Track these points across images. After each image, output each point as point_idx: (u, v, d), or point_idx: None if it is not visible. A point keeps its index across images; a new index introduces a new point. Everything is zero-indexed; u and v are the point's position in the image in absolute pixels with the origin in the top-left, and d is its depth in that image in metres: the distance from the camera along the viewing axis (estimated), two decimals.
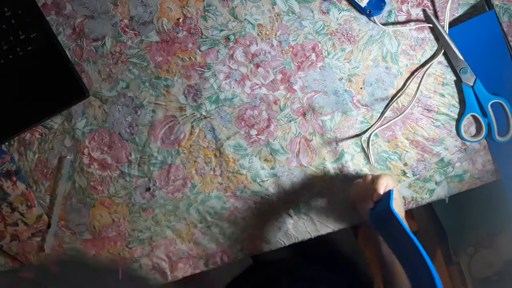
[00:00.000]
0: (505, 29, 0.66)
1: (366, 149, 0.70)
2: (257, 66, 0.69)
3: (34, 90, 0.69)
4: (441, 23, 0.66)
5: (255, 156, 0.72)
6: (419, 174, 0.72)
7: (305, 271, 0.80)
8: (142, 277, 0.76)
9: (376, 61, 0.69)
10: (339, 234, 0.74)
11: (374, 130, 0.70)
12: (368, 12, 0.66)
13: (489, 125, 0.69)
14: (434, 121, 0.70)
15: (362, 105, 0.70)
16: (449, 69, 0.69)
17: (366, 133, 0.70)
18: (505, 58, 0.67)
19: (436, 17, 0.67)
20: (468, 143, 0.71)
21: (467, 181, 0.73)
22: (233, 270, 0.88)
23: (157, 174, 0.73)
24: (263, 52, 0.69)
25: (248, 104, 0.70)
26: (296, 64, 0.69)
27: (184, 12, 0.68)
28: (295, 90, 0.70)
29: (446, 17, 0.65)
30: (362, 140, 0.70)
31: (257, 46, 0.69)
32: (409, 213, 1.23)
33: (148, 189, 0.73)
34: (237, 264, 0.79)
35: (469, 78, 0.67)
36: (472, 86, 0.67)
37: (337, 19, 0.67)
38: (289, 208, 0.74)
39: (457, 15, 0.67)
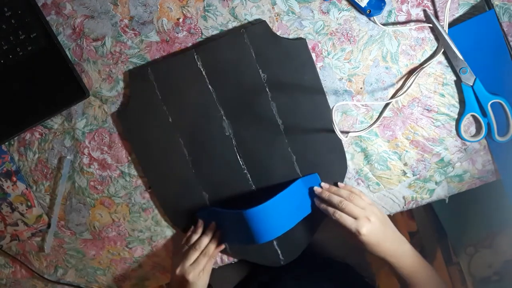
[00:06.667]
0: (505, 29, 0.66)
1: (333, 120, 0.66)
2: None
3: (34, 90, 0.69)
4: (441, 23, 0.66)
5: None
6: (419, 174, 0.72)
7: (309, 270, 0.80)
8: None
9: (376, 61, 0.69)
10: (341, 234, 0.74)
11: (338, 105, 0.70)
12: (368, 12, 0.66)
13: (489, 125, 0.69)
14: (434, 121, 0.70)
15: (362, 105, 0.70)
16: (449, 69, 0.69)
17: (336, 105, 0.70)
18: (505, 58, 0.67)
19: (436, 17, 0.67)
20: (468, 143, 0.71)
21: (467, 181, 0.73)
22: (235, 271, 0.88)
23: None
24: None
25: None
26: None
27: (184, 12, 0.68)
28: None
29: (446, 17, 0.65)
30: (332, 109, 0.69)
31: None
32: (409, 213, 1.23)
33: (150, 187, 0.74)
34: (237, 265, 0.79)
35: (469, 78, 0.67)
36: (472, 86, 0.67)
37: (337, 19, 0.67)
38: None
39: (457, 15, 0.67)
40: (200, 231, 0.71)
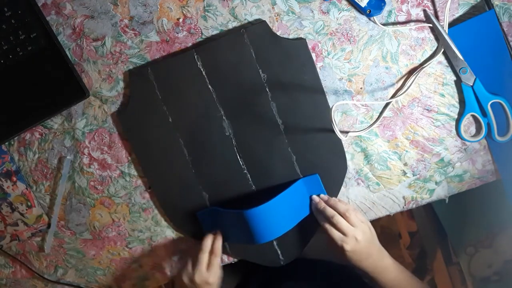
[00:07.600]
0: (505, 29, 0.66)
1: (333, 120, 0.66)
2: None
3: (34, 90, 0.69)
4: (441, 23, 0.66)
5: None
6: (419, 174, 0.72)
7: (308, 271, 0.80)
8: None
9: (376, 61, 0.69)
10: None
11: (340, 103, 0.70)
12: (368, 12, 0.66)
13: (488, 125, 0.69)
14: (434, 121, 0.70)
15: (362, 105, 0.70)
16: (449, 69, 0.69)
17: (336, 104, 0.70)
18: (505, 58, 0.67)
19: (436, 17, 0.67)
20: (468, 143, 0.71)
21: (467, 181, 0.73)
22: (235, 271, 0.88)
23: None
24: None
25: None
26: None
27: (184, 12, 0.68)
28: None
29: (446, 17, 0.65)
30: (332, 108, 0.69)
31: None
32: (409, 213, 1.23)
33: (150, 187, 0.74)
34: (237, 265, 0.79)
35: (469, 78, 0.67)
36: (472, 86, 0.67)
37: (337, 19, 0.67)
38: None
39: (457, 15, 0.67)
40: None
